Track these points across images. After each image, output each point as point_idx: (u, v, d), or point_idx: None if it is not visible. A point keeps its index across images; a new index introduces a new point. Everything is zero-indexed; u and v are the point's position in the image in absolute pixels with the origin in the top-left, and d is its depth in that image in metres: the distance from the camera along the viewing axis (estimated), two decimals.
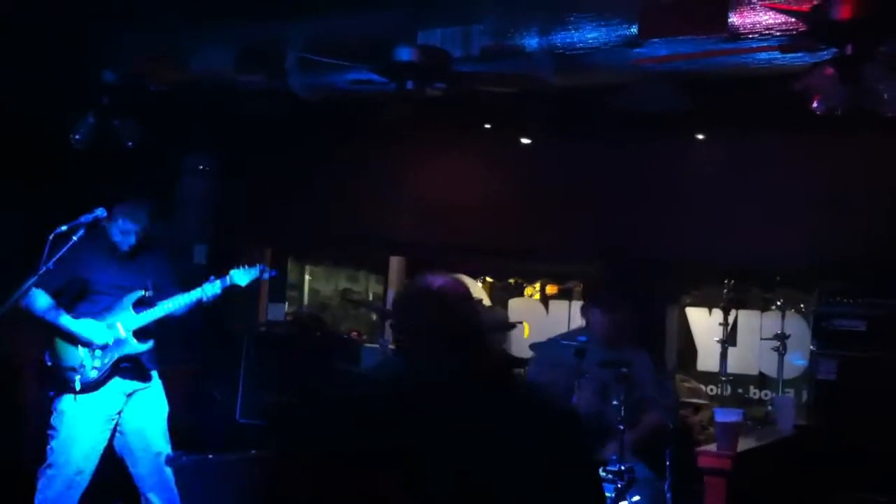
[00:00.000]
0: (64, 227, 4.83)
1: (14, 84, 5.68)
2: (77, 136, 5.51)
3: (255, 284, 5.59)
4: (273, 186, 7.34)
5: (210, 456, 5.87)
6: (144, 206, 5.27)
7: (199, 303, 5.29)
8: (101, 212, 4.93)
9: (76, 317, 5.14)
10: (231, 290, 5.45)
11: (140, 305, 5.23)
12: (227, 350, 6.57)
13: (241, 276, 5.42)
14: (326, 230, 7.35)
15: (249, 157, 7.21)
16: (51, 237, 4.78)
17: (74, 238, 4.85)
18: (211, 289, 5.29)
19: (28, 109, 5.89)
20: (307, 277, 8.61)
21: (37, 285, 4.89)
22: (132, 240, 5.23)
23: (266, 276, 5.66)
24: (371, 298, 8.61)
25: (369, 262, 7.92)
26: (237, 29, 5.42)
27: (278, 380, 6.30)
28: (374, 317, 7.93)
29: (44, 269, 4.74)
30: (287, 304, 7.88)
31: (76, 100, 5.64)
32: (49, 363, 5.16)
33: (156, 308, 5.22)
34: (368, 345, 7.19)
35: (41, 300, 5.09)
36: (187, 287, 5.29)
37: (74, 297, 5.20)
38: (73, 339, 5.14)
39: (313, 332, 7.13)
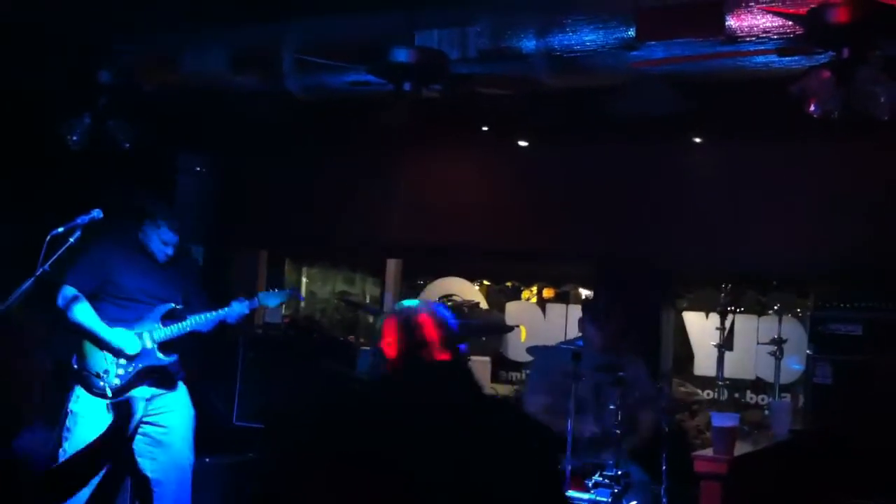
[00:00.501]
0: (61, 229, 4.84)
1: (10, 85, 5.67)
2: (74, 138, 5.51)
3: (254, 288, 5.64)
4: (270, 188, 7.33)
5: (207, 459, 5.87)
6: (180, 217, 5.33)
7: (223, 320, 5.32)
8: (97, 212, 4.94)
9: (107, 321, 5.15)
10: (229, 294, 5.47)
11: (169, 318, 5.25)
12: (223, 352, 6.57)
13: (270, 299, 5.51)
14: (323, 232, 7.34)
15: (246, 159, 7.21)
16: (48, 238, 4.79)
17: (71, 239, 4.86)
18: (239, 308, 5.33)
19: (24, 110, 5.88)
20: (304, 280, 8.60)
21: (72, 286, 4.96)
22: (171, 251, 5.26)
23: (296, 299, 5.76)
24: (368, 301, 8.62)
25: (366, 264, 7.91)
26: (233, 30, 5.41)
27: (275, 383, 6.29)
28: (371, 319, 7.92)
29: (40, 270, 4.74)
30: (284, 306, 7.87)
31: (72, 101, 5.63)
32: (76, 367, 5.16)
33: (184, 323, 5.25)
34: (365, 348, 7.19)
35: (81, 306, 5.10)
36: (211, 297, 5.33)
37: (105, 303, 5.21)
38: (102, 345, 5.14)
39: (310, 335, 7.13)
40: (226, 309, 5.30)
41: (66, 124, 5.49)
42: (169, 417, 5.30)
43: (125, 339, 5.13)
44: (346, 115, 5.86)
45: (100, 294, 5.19)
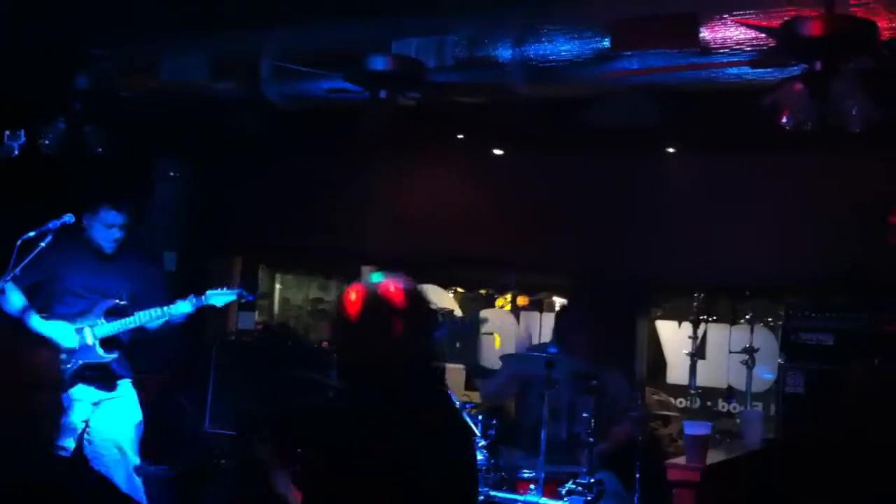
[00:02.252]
0: (32, 233, 4.81)
1: None
2: (46, 142, 5.48)
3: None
4: (244, 194, 7.31)
5: (179, 466, 5.84)
6: (126, 210, 5.23)
7: (169, 319, 5.24)
8: (68, 217, 4.91)
9: (48, 318, 5.09)
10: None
11: (112, 314, 5.18)
12: (195, 358, 6.53)
13: (217, 298, 5.37)
14: (297, 239, 7.32)
15: (221, 165, 7.18)
16: (18, 242, 4.76)
17: (42, 244, 4.82)
18: (183, 307, 5.23)
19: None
20: (278, 286, 8.57)
21: (12, 284, 4.89)
22: (117, 233, 5.18)
23: (243, 299, 5.65)
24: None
25: (340, 271, 7.89)
26: (212, 37, 5.40)
27: (247, 389, 6.26)
28: None
29: (10, 275, 4.71)
30: (257, 312, 7.84)
31: (47, 105, 5.60)
32: None
33: (127, 319, 5.17)
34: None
35: (15, 298, 5.04)
36: (165, 298, 5.25)
37: (48, 298, 5.16)
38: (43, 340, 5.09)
39: (283, 342, 7.10)
40: (171, 306, 5.21)
41: (40, 128, 5.46)
42: (115, 422, 5.23)
43: (60, 330, 5.07)
44: (323, 123, 5.86)
45: (40, 290, 5.13)
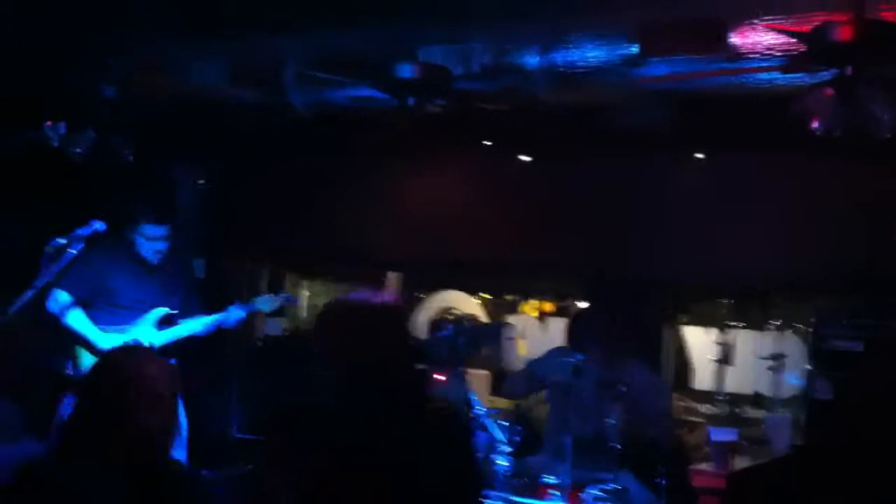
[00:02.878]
0: (62, 241, 4.84)
1: (13, 96, 5.67)
2: (78, 150, 5.51)
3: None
4: (272, 201, 7.33)
5: (205, 472, 5.85)
6: (168, 221, 5.28)
7: (221, 325, 5.30)
8: (99, 225, 4.93)
9: (101, 328, 5.14)
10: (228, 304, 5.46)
11: (164, 323, 5.22)
12: (224, 364, 6.55)
13: (265, 303, 5.47)
14: (323, 246, 7.34)
15: (249, 172, 7.21)
16: (47, 249, 4.78)
17: (72, 251, 4.84)
18: (236, 314, 5.31)
19: (28, 121, 5.89)
20: (306, 293, 8.59)
21: (65, 290, 4.95)
22: (160, 245, 5.23)
23: (289, 304, 5.72)
24: None
25: (366, 277, 7.90)
26: (236, 44, 5.43)
27: (275, 395, 6.28)
28: None
29: (42, 282, 4.73)
30: (286, 319, 7.86)
31: (75, 113, 5.64)
32: (70, 373, 5.14)
33: (178, 327, 5.22)
34: None
35: (74, 311, 5.08)
36: (208, 305, 5.31)
37: (98, 310, 5.20)
38: (95, 351, 5.13)
39: (310, 347, 7.11)
40: (223, 313, 5.27)
41: (69, 137, 5.50)
42: None
43: (117, 343, 5.11)
44: (350, 130, 5.88)
45: (93, 302, 5.17)
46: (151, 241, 5.20)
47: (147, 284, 5.27)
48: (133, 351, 3.46)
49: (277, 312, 6.58)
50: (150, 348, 4.86)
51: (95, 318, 5.15)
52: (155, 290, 5.27)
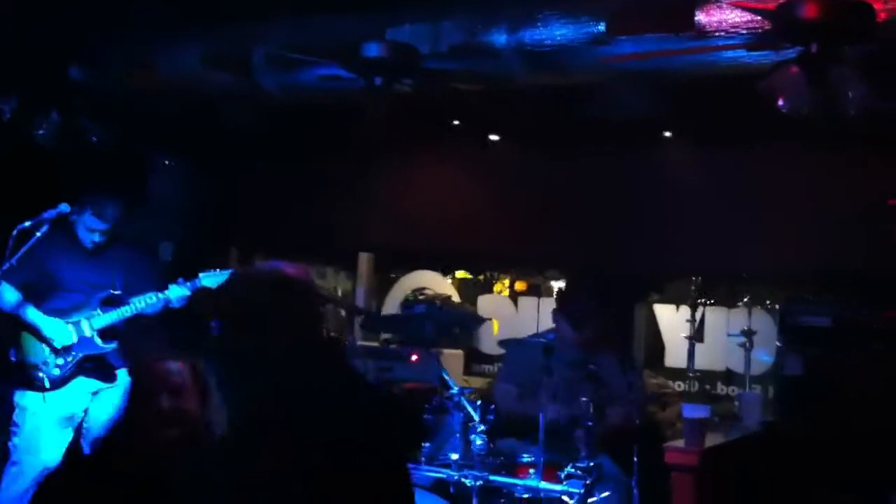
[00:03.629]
0: (27, 223, 4.80)
1: None
2: (41, 132, 5.46)
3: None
4: (240, 184, 7.29)
5: None
6: (112, 203, 5.21)
7: (167, 304, 5.25)
8: (64, 207, 4.89)
9: (46, 312, 5.10)
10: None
11: (108, 304, 5.19)
12: (194, 346, 6.51)
13: (210, 280, 5.37)
14: (294, 228, 7.31)
15: (216, 155, 7.16)
16: (14, 233, 4.74)
17: (38, 234, 4.80)
18: (178, 290, 5.24)
19: None
20: None
21: (4, 279, 4.88)
22: (97, 237, 5.18)
23: None
24: (340, 295, 8.59)
25: (338, 258, 7.88)
26: (207, 30, 5.38)
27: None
28: (343, 314, 7.90)
29: (7, 265, 4.69)
30: None
31: (42, 97, 5.59)
32: (14, 359, 5.11)
33: (123, 308, 5.18)
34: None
35: (8, 294, 5.04)
36: (159, 286, 5.25)
37: (42, 293, 5.15)
38: (38, 336, 5.09)
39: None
40: (165, 292, 5.21)
41: (34, 120, 5.45)
42: (112, 412, 5.24)
43: (58, 326, 5.08)
44: (320, 113, 5.85)
45: (37, 285, 5.14)
46: (91, 233, 5.15)
47: (91, 266, 5.22)
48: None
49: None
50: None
51: (41, 302, 5.11)
52: (98, 271, 5.21)
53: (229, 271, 5.46)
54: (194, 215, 7.26)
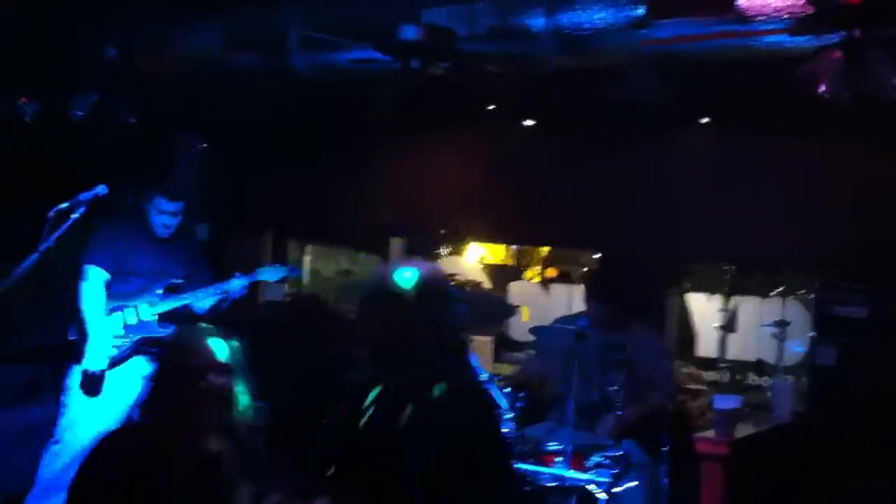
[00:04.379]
0: (64, 204, 4.83)
1: (14, 62, 5.65)
2: (79, 113, 5.51)
3: (257, 267, 5.64)
4: (274, 167, 7.31)
5: None
6: (184, 191, 5.33)
7: (225, 295, 5.35)
8: (101, 189, 4.92)
9: (111, 295, 5.19)
10: (232, 271, 5.48)
11: (169, 291, 5.29)
12: (224, 329, 6.55)
13: (268, 274, 5.51)
14: (327, 212, 7.33)
15: (253, 137, 7.18)
16: (50, 214, 4.77)
17: (74, 215, 4.84)
18: (238, 285, 5.37)
19: (29, 88, 5.87)
20: (307, 258, 8.58)
21: (96, 265, 5.10)
22: (167, 219, 5.29)
23: (293, 275, 5.77)
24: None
25: (369, 243, 7.88)
26: (241, 9, 5.39)
27: (277, 361, 6.28)
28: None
29: (44, 245, 4.73)
30: (287, 284, 7.86)
31: (77, 77, 5.62)
32: (72, 337, 5.19)
33: (182, 296, 5.29)
34: None
35: (94, 291, 5.16)
36: (218, 277, 5.34)
37: (114, 277, 5.26)
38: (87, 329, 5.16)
39: (312, 313, 7.12)
40: (226, 284, 5.33)
41: (71, 100, 5.49)
42: None
43: (109, 326, 5.17)
44: (353, 95, 5.84)
45: (110, 270, 5.23)
46: (162, 216, 5.25)
47: (158, 254, 5.34)
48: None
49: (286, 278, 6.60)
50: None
51: (109, 286, 5.19)
52: (165, 259, 5.33)
53: (288, 267, 5.61)
54: (228, 199, 7.30)
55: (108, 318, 5.21)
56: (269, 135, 7.14)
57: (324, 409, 3.10)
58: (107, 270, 5.20)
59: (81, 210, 4.85)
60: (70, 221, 4.83)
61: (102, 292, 5.20)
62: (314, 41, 5.05)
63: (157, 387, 3.03)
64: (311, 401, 5.76)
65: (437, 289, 2.84)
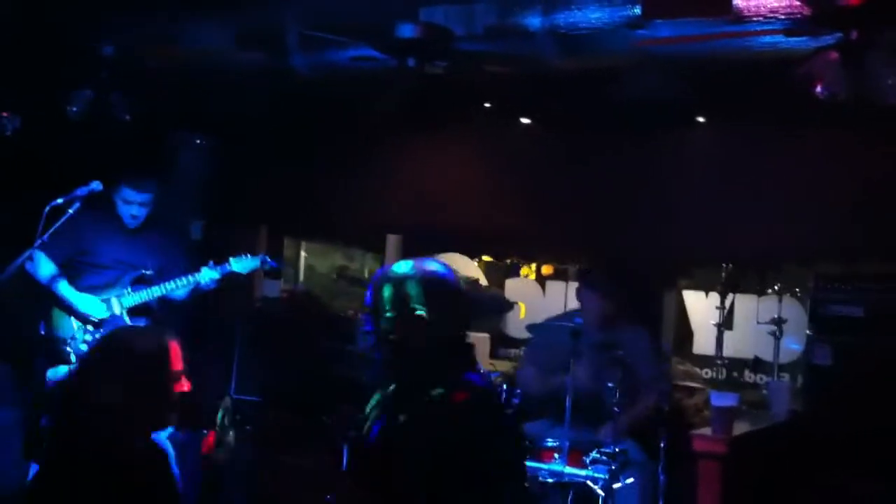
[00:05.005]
0: (60, 200, 4.84)
1: (10, 57, 5.63)
2: (74, 109, 5.50)
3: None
4: (270, 164, 7.30)
5: (205, 431, 5.88)
6: (145, 188, 5.27)
7: (197, 286, 5.32)
8: (96, 184, 4.94)
9: (79, 288, 5.16)
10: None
11: (139, 284, 5.26)
12: (221, 326, 6.56)
13: (240, 265, 5.45)
14: (323, 209, 7.32)
15: (247, 134, 7.17)
16: (46, 209, 4.79)
17: (70, 210, 4.85)
18: (208, 275, 5.32)
19: (24, 82, 5.86)
20: (303, 254, 8.58)
21: (42, 252, 4.96)
22: (135, 210, 5.25)
23: (266, 266, 5.71)
24: (367, 276, 8.60)
25: (366, 240, 7.88)
26: (238, 6, 5.38)
27: (272, 357, 6.29)
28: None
29: (39, 241, 4.74)
30: (282, 280, 7.86)
31: (74, 73, 5.61)
32: (42, 333, 5.18)
33: (152, 288, 5.25)
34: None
35: (45, 267, 5.12)
36: (191, 269, 5.31)
37: (78, 270, 5.22)
38: (70, 311, 5.15)
39: (308, 310, 7.13)
40: (196, 275, 5.29)
41: (67, 96, 5.48)
42: None
43: (90, 302, 5.16)
44: (349, 93, 5.84)
45: (73, 261, 5.21)
46: (128, 206, 5.22)
47: (127, 245, 5.29)
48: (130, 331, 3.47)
49: (274, 274, 6.58)
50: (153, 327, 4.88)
51: (75, 277, 5.17)
52: (134, 251, 5.28)
53: (260, 258, 5.53)
54: (224, 195, 7.29)
55: (84, 298, 5.17)
56: (266, 132, 7.13)
57: (323, 407, 3.09)
58: (58, 257, 5.14)
59: (77, 206, 4.88)
60: (66, 216, 4.85)
61: (59, 273, 5.14)
62: (312, 40, 5.04)
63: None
64: (307, 399, 5.78)
65: (447, 289, 2.80)
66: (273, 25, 5.20)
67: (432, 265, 2.85)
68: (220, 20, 5.39)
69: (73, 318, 5.18)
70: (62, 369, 5.12)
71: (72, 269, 5.20)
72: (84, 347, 5.14)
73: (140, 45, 5.60)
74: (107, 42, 5.48)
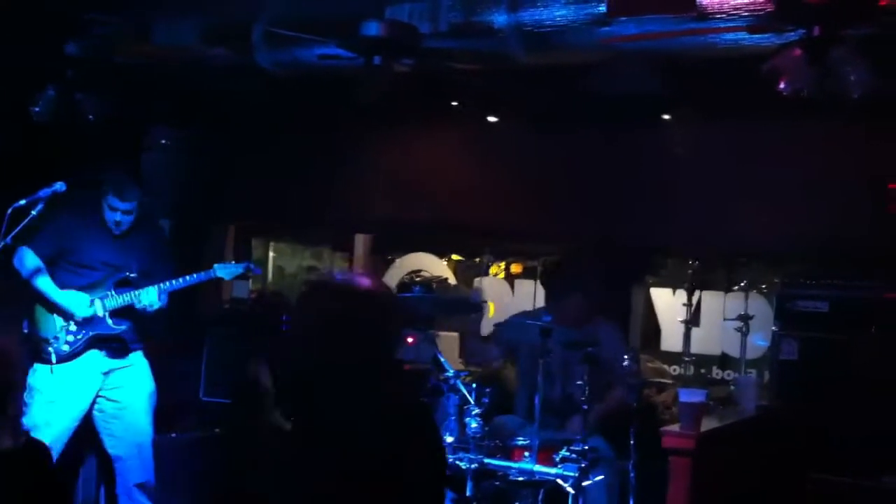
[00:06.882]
0: (23, 202, 4.80)
1: None
2: (37, 109, 5.45)
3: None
4: (238, 163, 7.27)
5: (174, 434, 5.85)
6: (134, 191, 5.26)
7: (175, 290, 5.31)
8: (59, 185, 4.90)
9: (61, 287, 5.12)
10: (196, 268, 5.44)
11: (122, 286, 5.22)
12: (190, 327, 6.52)
13: (225, 271, 5.45)
14: (292, 208, 7.30)
15: (214, 133, 7.14)
16: (9, 211, 4.74)
17: (34, 212, 4.81)
18: (191, 282, 5.31)
19: None
20: (271, 254, 8.56)
21: (30, 248, 4.93)
22: (119, 217, 5.22)
23: (251, 273, 5.73)
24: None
25: (334, 239, 7.87)
26: (205, 3, 5.35)
27: (241, 358, 6.26)
28: None
29: (1, 244, 4.69)
30: (251, 281, 7.83)
31: (38, 73, 5.55)
32: (25, 331, 5.14)
33: (136, 291, 5.21)
34: None
35: (30, 261, 5.07)
36: (176, 273, 5.29)
37: (61, 269, 5.19)
38: (53, 309, 5.11)
39: (277, 311, 7.10)
40: (179, 280, 5.27)
41: (30, 96, 5.43)
42: (125, 392, 5.28)
43: (75, 300, 5.12)
44: (317, 91, 5.82)
45: (56, 261, 5.18)
46: (114, 213, 5.20)
47: (111, 247, 5.26)
48: None
49: (243, 276, 6.55)
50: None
51: (57, 278, 5.13)
52: (118, 254, 5.25)
53: (245, 265, 5.54)
54: (191, 192, 7.25)
55: (68, 294, 5.14)
56: (236, 130, 7.10)
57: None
58: (42, 255, 5.11)
59: (40, 207, 4.83)
60: (28, 218, 4.81)
61: (44, 270, 5.13)
62: (278, 37, 5.02)
63: None
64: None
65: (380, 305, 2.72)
66: (239, 23, 5.17)
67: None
68: (189, 17, 5.35)
69: (55, 315, 5.13)
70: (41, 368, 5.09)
71: (55, 269, 5.16)
72: (66, 348, 5.11)
73: (105, 43, 5.55)
74: (71, 40, 5.43)
